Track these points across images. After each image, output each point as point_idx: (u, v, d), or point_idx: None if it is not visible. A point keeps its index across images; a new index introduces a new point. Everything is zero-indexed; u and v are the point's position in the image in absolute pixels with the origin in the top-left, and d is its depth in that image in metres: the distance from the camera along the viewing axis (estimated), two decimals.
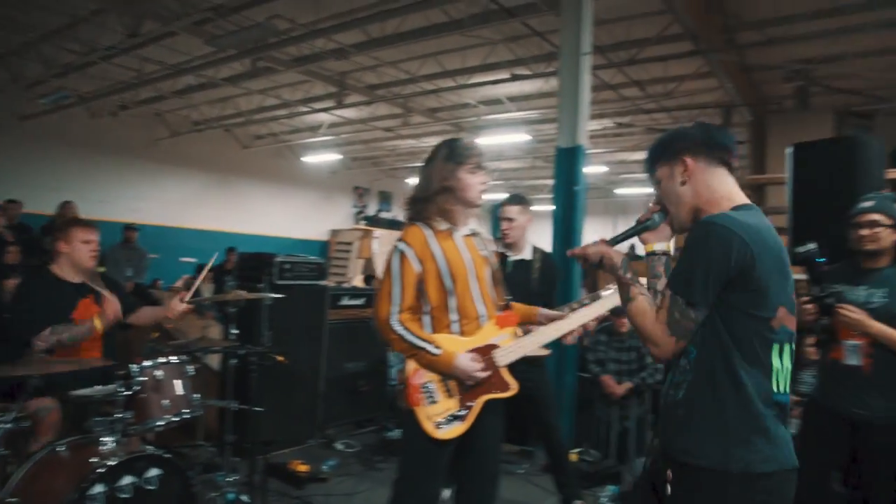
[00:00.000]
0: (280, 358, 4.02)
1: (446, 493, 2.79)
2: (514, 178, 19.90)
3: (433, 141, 15.37)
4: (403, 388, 2.36)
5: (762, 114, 10.98)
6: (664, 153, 1.84)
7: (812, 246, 2.60)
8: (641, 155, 16.78)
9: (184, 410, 3.24)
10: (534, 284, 3.71)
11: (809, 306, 2.70)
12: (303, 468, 4.33)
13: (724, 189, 1.72)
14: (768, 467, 1.50)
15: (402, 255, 2.29)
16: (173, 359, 3.31)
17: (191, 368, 3.39)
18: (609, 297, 2.56)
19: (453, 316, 2.32)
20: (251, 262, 4.98)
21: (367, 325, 5.29)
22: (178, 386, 3.26)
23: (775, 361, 1.57)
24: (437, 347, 2.27)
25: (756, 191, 10.39)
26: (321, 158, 16.21)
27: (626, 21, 8.27)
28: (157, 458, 2.91)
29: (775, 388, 1.56)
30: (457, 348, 2.31)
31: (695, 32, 7.68)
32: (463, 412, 2.32)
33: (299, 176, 16.84)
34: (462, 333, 2.34)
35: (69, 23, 8.57)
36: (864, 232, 2.70)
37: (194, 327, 4.84)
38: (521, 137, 12.54)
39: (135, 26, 8.11)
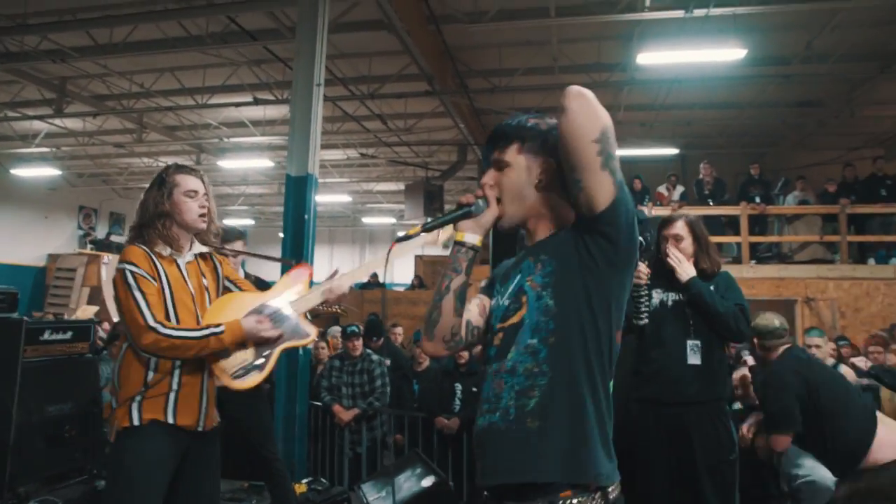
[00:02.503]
0: None
1: None
2: (259, 203, 19.43)
3: (172, 160, 14.49)
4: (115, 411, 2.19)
5: None
6: (533, 140, 1.51)
7: None
8: (386, 185, 17.55)
9: None
10: None
11: None
12: None
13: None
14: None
15: (133, 273, 2.13)
16: None
17: None
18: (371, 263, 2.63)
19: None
20: None
21: (76, 361, 4.72)
22: None
23: None
24: (218, 325, 2.17)
25: None
26: (37, 172, 14.17)
27: (368, 56, 8.64)
28: None
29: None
30: (247, 304, 2.32)
31: (430, 74, 8.28)
32: (260, 361, 2.27)
33: (9, 191, 14.51)
34: (181, 377, 2.21)
35: None
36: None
37: None
38: (264, 163, 12.33)
39: None
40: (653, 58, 7.28)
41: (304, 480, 4.79)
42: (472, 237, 1.54)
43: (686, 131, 11.37)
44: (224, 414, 3.80)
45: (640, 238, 2.72)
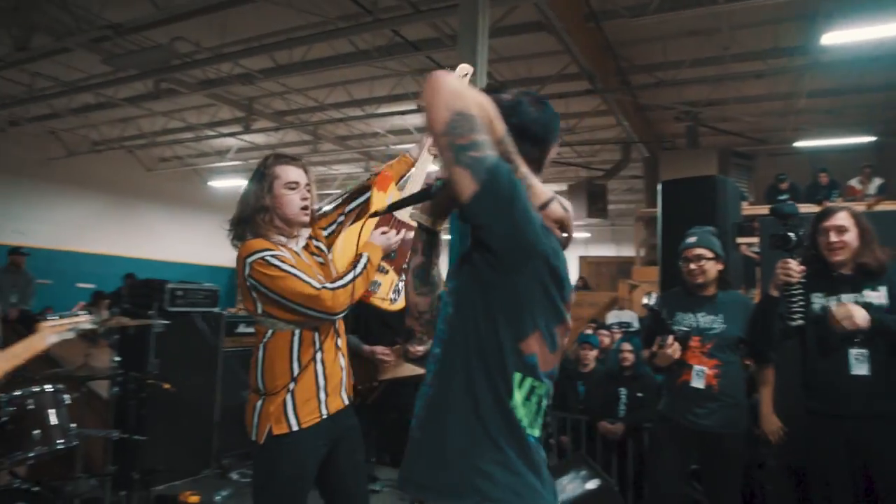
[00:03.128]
0: (166, 385, 3.91)
1: None
2: None
3: (343, 168, 15.53)
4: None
5: (656, 151, 11.68)
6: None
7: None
8: (547, 186, 17.60)
9: (58, 441, 3.09)
10: None
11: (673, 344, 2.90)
12: (193, 499, 4.18)
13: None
14: None
15: (274, 255, 2.08)
16: (47, 387, 3.17)
17: (67, 397, 3.25)
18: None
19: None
20: (142, 289, 4.83)
21: None
22: (52, 415, 3.11)
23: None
24: (360, 255, 2.21)
25: (649, 223, 11.04)
26: (229, 183, 15.85)
27: (527, 59, 8.67)
28: (24, 492, 2.77)
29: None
30: (362, 234, 2.27)
31: (591, 73, 8.14)
32: (404, 277, 2.28)
33: (206, 200, 16.37)
34: (321, 345, 2.20)
35: None
36: (692, 266, 2.96)
37: (77, 354, 4.62)
38: (430, 168, 12.75)
39: (24, 39, 7.77)
40: (842, 37, 6.59)
41: None
42: (424, 218, 1.49)
43: (883, 116, 10.13)
44: (394, 403, 4.02)
45: (792, 234, 2.53)
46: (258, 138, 12.82)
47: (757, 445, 2.96)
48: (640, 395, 4.52)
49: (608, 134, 11.60)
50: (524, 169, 1.33)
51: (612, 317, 8.84)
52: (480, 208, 1.22)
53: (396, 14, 6.89)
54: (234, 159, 14.13)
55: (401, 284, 2.42)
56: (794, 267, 2.52)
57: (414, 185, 2.56)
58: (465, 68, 2.69)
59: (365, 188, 2.54)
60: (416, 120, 10.98)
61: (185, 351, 4.74)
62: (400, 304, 2.43)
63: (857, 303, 2.48)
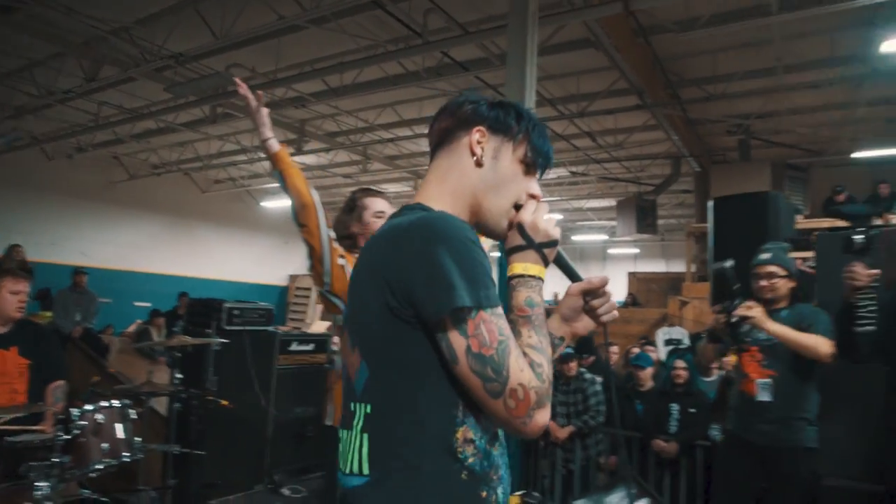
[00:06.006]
0: (224, 402, 4.03)
1: None
2: None
3: (392, 187, 15.72)
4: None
5: (707, 164, 11.48)
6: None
7: (729, 263, 2.83)
8: (597, 202, 17.31)
9: (124, 454, 3.23)
10: None
11: (720, 316, 2.91)
12: None
13: None
14: None
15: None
16: (115, 403, 3.31)
17: (133, 412, 3.38)
18: None
19: None
20: (199, 308, 4.99)
21: (317, 369, 5.32)
22: (119, 430, 3.25)
23: None
24: None
25: (699, 238, 10.82)
26: (280, 203, 16.25)
27: (576, 76, 8.67)
28: (93, 501, 2.89)
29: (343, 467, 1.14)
30: None
31: (640, 88, 8.09)
32: None
33: (258, 220, 16.84)
34: None
35: (25, 65, 8.60)
36: (763, 283, 2.92)
37: (140, 371, 4.80)
38: None
39: (93, 71, 8.19)
40: None
41: (518, 493, 4.89)
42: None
43: None
44: None
45: (857, 237, 2.48)
46: (309, 159, 13.11)
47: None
48: (692, 410, 4.43)
49: (658, 148, 11.46)
50: None
51: (662, 333, 8.68)
52: None
53: (446, 36, 6.99)
54: None
55: None
56: (861, 271, 2.47)
57: None
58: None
59: None
60: None
61: (241, 369, 4.87)
62: None
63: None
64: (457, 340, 0.98)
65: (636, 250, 20.68)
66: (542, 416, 0.99)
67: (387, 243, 1.06)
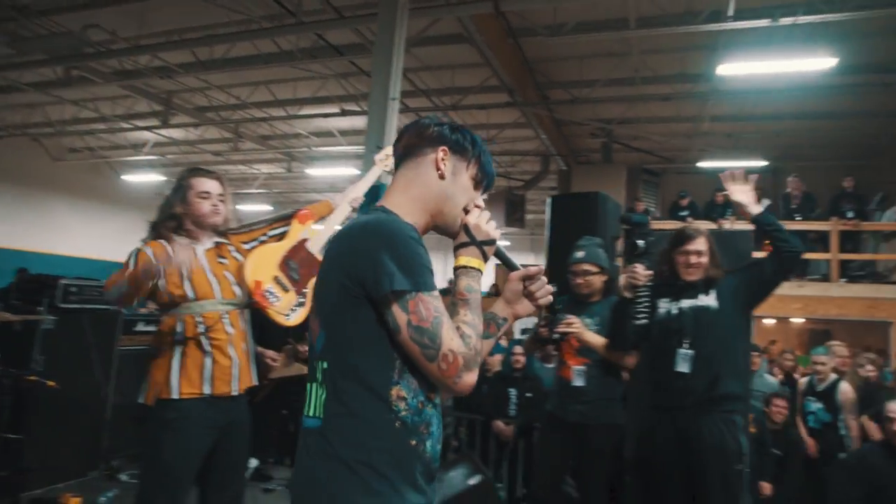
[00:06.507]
0: (51, 383, 3.79)
1: None
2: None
3: (264, 168, 15.29)
4: None
5: (572, 164, 12.10)
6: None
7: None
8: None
9: None
10: None
11: (544, 330, 3.23)
12: (74, 501, 4.05)
13: None
14: None
15: (145, 246, 2.42)
16: None
17: None
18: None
19: (199, 319, 2.43)
20: (31, 284, 4.65)
21: None
22: None
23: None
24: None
25: None
26: (145, 178, 15.34)
27: (451, 69, 8.85)
28: None
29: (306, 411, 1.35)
30: (275, 253, 2.65)
31: (511, 86, 8.39)
32: (302, 299, 2.64)
33: (119, 195, 15.74)
34: (208, 330, 2.42)
35: None
36: (579, 280, 3.25)
37: None
38: (350, 171, 12.77)
39: None
40: (735, 68, 7.11)
41: None
42: None
43: (776, 143, 10.91)
44: (287, 401, 4.07)
45: (640, 241, 2.82)
46: (176, 133, 12.48)
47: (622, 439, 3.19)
48: (528, 395, 4.72)
49: (528, 146, 11.93)
50: None
51: (520, 323, 9.09)
52: None
53: (321, 18, 6.92)
54: (151, 153, 13.69)
55: (299, 305, 2.63)
56: (641, 272, 2.81)
57: (329, 226, 2.90)
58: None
59: (288, 218, 2.87)
60: (340, 123, 10.97)
61: (76, 348, 4.60)
62: (294, 320, 2.63)
63: (694, 307, 2.83)
64: (400, 315, 1.24)
65: (506, 243, 21.21)
66: (470, 378, 1.26)
67: (348, 239, 1.32)
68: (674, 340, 2.81)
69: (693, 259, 2.85)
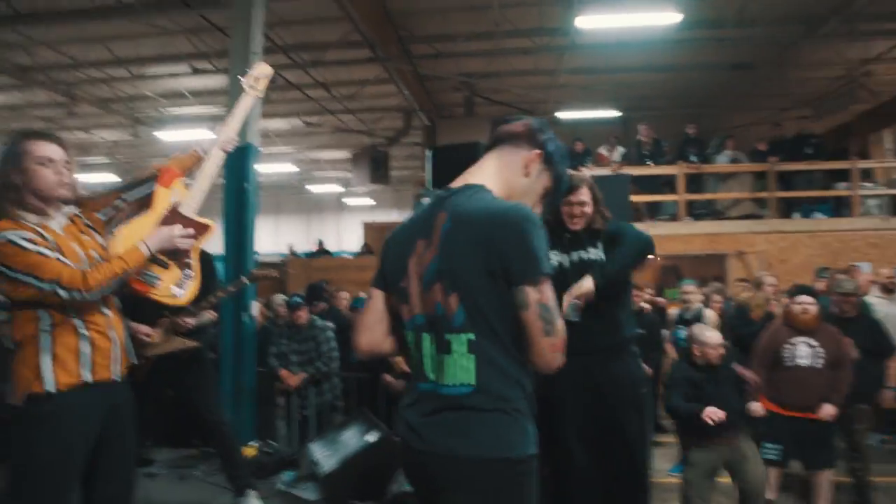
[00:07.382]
0: None
1: None
2: None
3: (107, 134, 14.02)
4: None
5: (435, 119, 12.17)
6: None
7: None
8: (332, 153, 17.32)
9: None
10: None
11: None
12: None
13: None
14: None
15: (16, 235, 2.02)
16: None
17: None
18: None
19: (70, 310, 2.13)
20: None
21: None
22: None
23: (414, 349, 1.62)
24: (140, 242, 2.22)
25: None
26: None
27: (309, 24, 8.50)
28: None
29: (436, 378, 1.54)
30: (143, 230, 2.32)
31: (372, 41, 8.21)
32: (189, 272, 2.42)
33: None
34: (85, 324, 2.14)
35: None
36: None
37: None
38: (205, 134, 12.04)
39: None
40: (591, 21, 7.40)
41: (254, 443, 4.90)
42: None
43: (628, 94, 11.58)
44: (168, 380, 3.87)
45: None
46: None
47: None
48: None
49: (390, 102, 11.83)
50: None
51: None
52: None
53: None
54: None
55: (187, 278, 2.41)
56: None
57: (203, 181, 2.53)
58: (264, 69, 2.80)
59: (148, 178, 2.49)
60: (191, 83, 10.24)
61: None
62: (185, 297, 2.41)
63: (581, 260, 2.86)
64: (532, 295, 1.44)
65: (371, 201, 21.27)
66: (563, 356, 1.52)
67: (490, 224, 1.48)
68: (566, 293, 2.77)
69: (576, 210, 2.86)
